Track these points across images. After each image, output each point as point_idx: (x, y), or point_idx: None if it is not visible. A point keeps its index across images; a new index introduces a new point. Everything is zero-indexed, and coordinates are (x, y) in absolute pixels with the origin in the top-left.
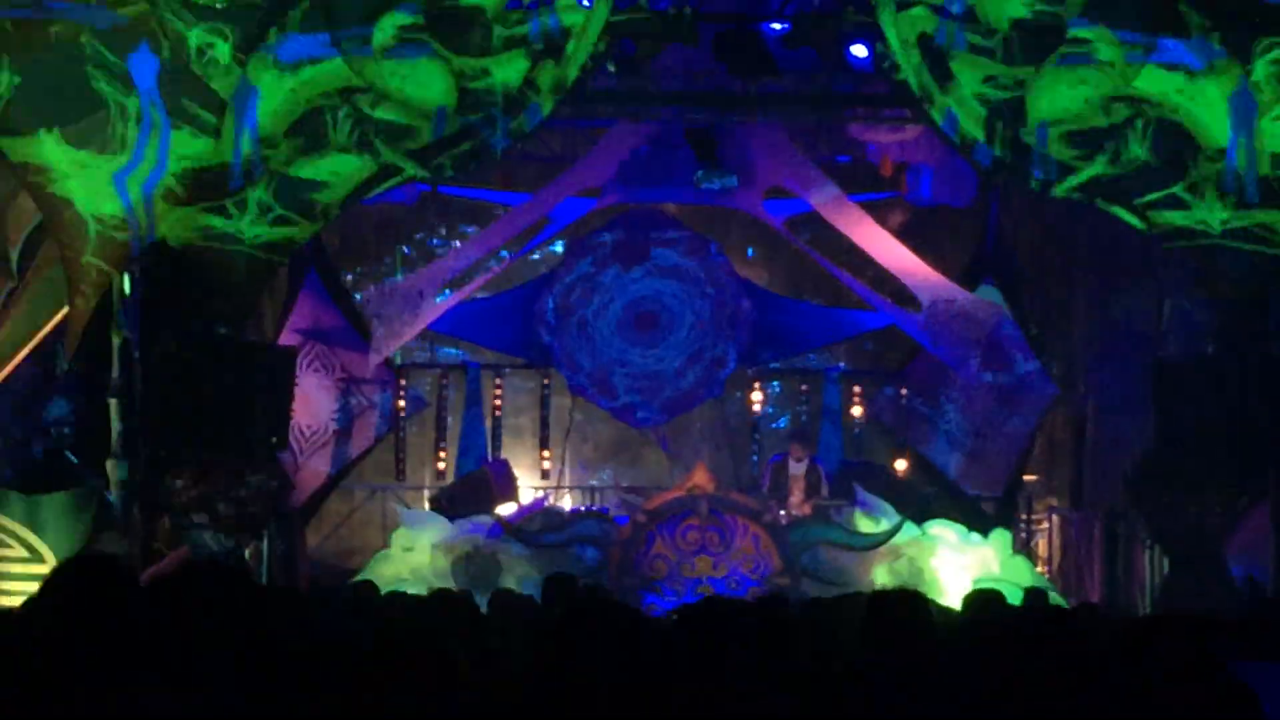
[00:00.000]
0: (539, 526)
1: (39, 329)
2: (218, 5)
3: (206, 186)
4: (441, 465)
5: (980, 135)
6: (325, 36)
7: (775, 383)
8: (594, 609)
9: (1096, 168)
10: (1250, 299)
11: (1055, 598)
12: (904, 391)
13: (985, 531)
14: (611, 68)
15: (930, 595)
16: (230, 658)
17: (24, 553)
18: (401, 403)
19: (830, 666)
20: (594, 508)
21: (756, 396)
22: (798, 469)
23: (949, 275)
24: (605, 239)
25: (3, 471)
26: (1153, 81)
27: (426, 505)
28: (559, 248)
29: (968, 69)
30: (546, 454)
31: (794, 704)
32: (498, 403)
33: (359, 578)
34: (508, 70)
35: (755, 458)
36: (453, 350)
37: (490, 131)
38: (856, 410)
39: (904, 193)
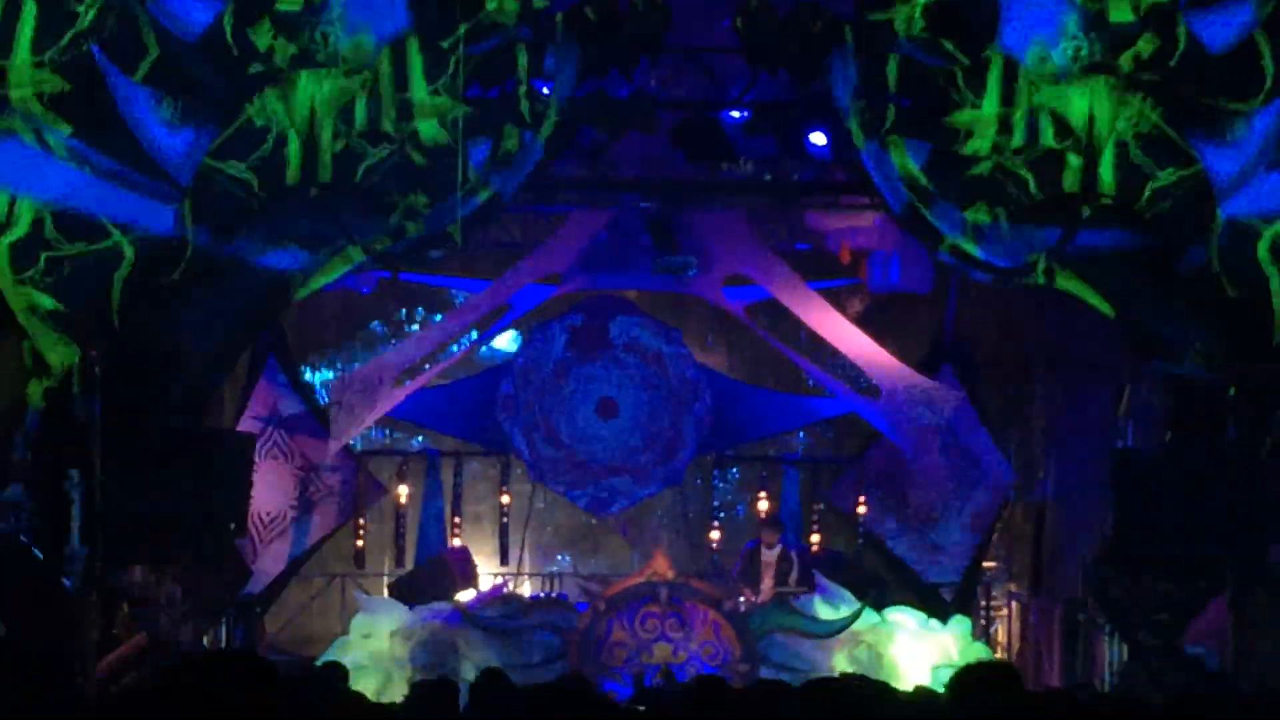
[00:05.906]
0: (498, 613)
1: None
2: None
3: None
4: (401, 552)
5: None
6: None
7: (734, 469)
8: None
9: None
10: (1208, 387)
11: None
12: (863, 478)
13: (944, 618)
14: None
15: (890, 682)
16: None
17: None
18: (361, 490)
19: None
20: (553, 594)
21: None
22: (769, 555)
23: (908, 362)
24: (565, 326)
25: None
26: None
27: (386, 592)
28: (519, 335)
29: None
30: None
31: None
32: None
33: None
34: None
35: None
36: (413, 438)
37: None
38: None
39: (863, 280)
